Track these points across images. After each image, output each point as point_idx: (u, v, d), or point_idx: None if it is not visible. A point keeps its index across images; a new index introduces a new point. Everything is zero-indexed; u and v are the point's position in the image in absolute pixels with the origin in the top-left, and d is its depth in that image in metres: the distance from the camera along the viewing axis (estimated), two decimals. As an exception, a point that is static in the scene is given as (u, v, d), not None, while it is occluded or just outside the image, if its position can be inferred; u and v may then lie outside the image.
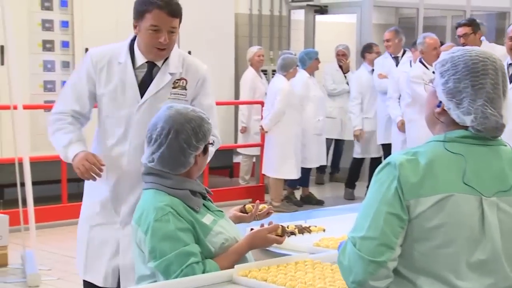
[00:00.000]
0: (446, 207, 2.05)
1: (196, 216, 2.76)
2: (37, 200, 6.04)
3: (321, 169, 9.75)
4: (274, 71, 9.49)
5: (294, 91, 8.28)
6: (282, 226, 2.96)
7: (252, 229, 2.99)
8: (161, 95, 3.27)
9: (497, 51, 6.24)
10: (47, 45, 8.28)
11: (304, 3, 10.95)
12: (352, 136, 9.16)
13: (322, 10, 10.90)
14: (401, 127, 7.65)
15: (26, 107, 6.18)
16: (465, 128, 2.13)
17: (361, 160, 9.02)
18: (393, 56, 8.60)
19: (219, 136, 3.33)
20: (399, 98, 7.87)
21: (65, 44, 8.39)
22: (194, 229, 2.73)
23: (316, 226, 3.44)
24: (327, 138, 9.16)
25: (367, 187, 8.51)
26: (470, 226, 2.06)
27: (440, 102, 2.16)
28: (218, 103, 9.46)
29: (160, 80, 3.28)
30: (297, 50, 10.06)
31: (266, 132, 8.33)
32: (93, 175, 3.13)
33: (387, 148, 8.33)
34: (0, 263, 5.91)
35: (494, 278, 2.08)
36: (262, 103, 8.75)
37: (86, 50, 6.86)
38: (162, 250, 2.66)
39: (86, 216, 3.41)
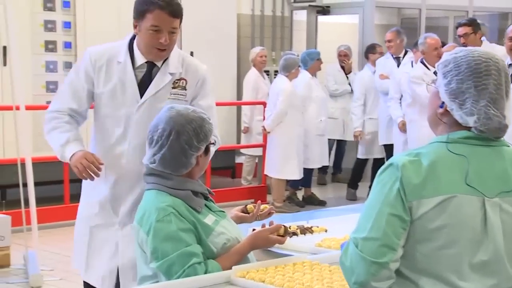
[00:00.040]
0: (449, 208, 2.05)
1: (198, 216, 2.76)
2: (39, 201, 6.04)
3: (323, 169, 9.75)
4: (276, 71, 9.49)
5: (296, 91, 8.28)
6: (284, 226, 2.96)
7: (254, 230, 2.99)
8: (161, 95, 3.25)
9: (498, 52, 6.22)
10: (50, 46, 8.29)
11: (306, 4, 10.95)
12: (354, 137, 9.17)
13: (324, 10, 10.90)
14: (402, 127, 7.65)
15: (28, 108, 6.18)
16: (468, 129, 2.13)
17: (365, 160, 9.01)
18: (394, 56, 8.60)
19: (219, 136, 3.32)
20: (400, 99, 7.87)
21: (67, 45, 8.39)
22: (196, 230, 2.73)
23: (318, 227, 3.43)
24: (329, 139, 9.16)
25: (369, 187, 8.55)
26: (473, 227, 2.06)
27: (443, 102, 2.16)
28: (220, 104, 9.52)
29: (160, 80, 3.26)
30: (299, 50, 10.06)
31: (268, 132, 8.33)
32: (91, 174, 3.09)
33: (389, 149, 8.32)
34: (2, 264, 5.92)
35: (496, 278, 2.08)
36: (264, 104, 8.75)
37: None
38: (164, 251, 2.66)
39: (85, 216, 3.39)
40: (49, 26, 8.27)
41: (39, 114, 7.97)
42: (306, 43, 11.06)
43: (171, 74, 3.28)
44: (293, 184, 8.70)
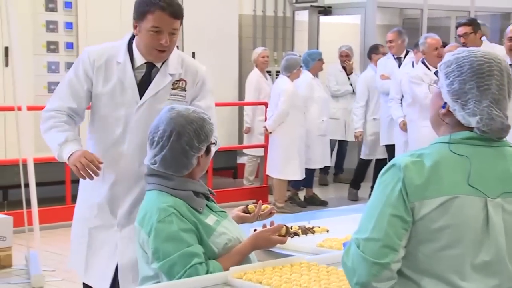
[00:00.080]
0: (451, 209, 2.05)
1: (199, 217, 2.76)
2: (41, 201, 6.05)
3: (324, 170, 9.75)
4: (278, 72, 9.49)
5: (298, 92, 8.28)
6: (285, 226, 2.96)
7: (255, 230, 2.99)
8: (161, 96, 3.24)
9: (498, 52, 6.19)
10: (51, 47, 8.30)
11: (308, 4, 10.95)
12: (354, 137, 9.17)
13: (326, 11, 10.90)
14: (404, 127, 7.63)
15: (30, 108, 6.18)
16: (470, 129, 2.13)
17: (368, 161, 8.99)
18: (396, 57, 8.59)
19: (218, 137, 3.30)
20: (401, 100, 7.86)
21: (69, 46, 8.40)
22: (197, 230, 2.73)
23: (319, 227, 3.43)
24: (330, 139, 9.16)
25: (371, 187, 8.51)
26: (475, 228, 2.06)
27: (445, 103, 2.16)
28: (222, 104, 9.53)
29: (160, 81, 3.25)
30: (301, 51, 10.06)
31: (270, 133, 8.33)
32: (90, 173, 3.05)
33: (390, 149, 8.32)
34: (4, 264, 5.92)
35: (498, 279, 2.08)
36: (266, 104, 8.75)
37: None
38: (166, 251, 2.66)
39: (83, 217, 3.37)
40: (51, 26, 8.28)
41: (41, 115, 7.97)
42: (308, 43, 11.06)
43: (170, 75, 3.27)
44: (294, 185, 8.69)
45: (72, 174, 5.94)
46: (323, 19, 11.06)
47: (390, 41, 8.60)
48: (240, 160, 9.94)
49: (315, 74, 8.73)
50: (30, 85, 7.78)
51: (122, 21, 8.33)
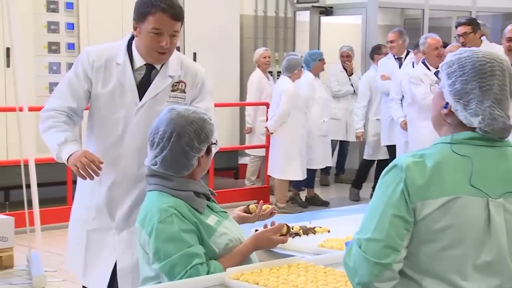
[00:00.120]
0: (453, 209, 2.04)
1: (200, 217, 2.76)
2: (43, 202, 6.06)
3: (325, 170, 9.74)
4: (279, 72, 9.50)
5: (299, 92, 8.28)
6: (286, 225, 2.95)
7: (256, 230, 2.99)
8: (160, 98, 3.22)
9: (497, 51, 6.18)
10: (53, 47, 8.30)
11: (309, 5, 10.95)
12: (356, 138, 9.16)
13: (327, 11, 10.90)
14: (405, 127, 7.62)
15: (31, 109, 6.18)
16: (472, 129, 2.13)
17: (371, 161, 8.97)
18: (396, 57, 8.58)
19: (218, 138, 3.28)
20: (401, 100, 7.85)
21: (70, 46, 8.41)
22: (198, 230, 2.73)
23: (320, 227, 3.43)
24: (332, 140, 9.15)
25: (373, 188, 8.49)
26: (477, 228, 2.06)
27: (447, 103, 2.16)
28: (223, 105, 9.52)
29: (159, 83, 3.23)
30: (302, 51, 10.07)
31: (271, 133, 8.33)
32: (91, 173, 3.00)
33: (391, 150, 8.31)
34: (6, 265, 5.92)
35: (500, 279, 2.08)
36: (267, 105, 8.75)
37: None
38: (167, 252, 2.65)
39: (81, 219, 3.34)
40: (52, 27, 8.29)
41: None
42: (309, 43, 11.07)
43: (170, 77, 3.25)
44: (296, 185, 8.69)
45: (74, 175, 5.93)
46: (324, 19, 11.06)
47: (391, 41, 8.59)
48: (242, 160, 9.94)
49: (316, 75, 8.73)
50: (31, 86, 7.78)
51: (123, 21, 8.33)
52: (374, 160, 8.96)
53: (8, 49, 7.62)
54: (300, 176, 8.31)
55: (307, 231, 3.35)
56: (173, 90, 3.25)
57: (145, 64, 3.23)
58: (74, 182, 7.22)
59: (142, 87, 3.22)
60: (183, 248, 2.65)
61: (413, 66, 7.70)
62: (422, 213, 2.05)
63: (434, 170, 2.06)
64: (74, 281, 5.56)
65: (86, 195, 3.32)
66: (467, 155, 2.09)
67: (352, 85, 9.88)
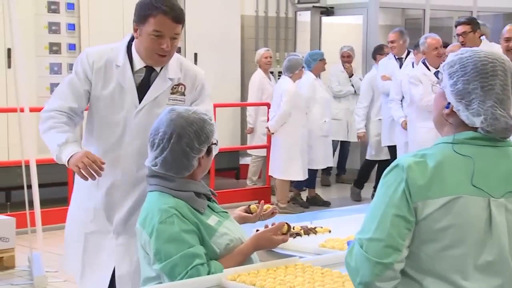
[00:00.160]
0: (454, 209, 2.04)
1: (200, 217, 2.76)
2: (44, 203, 6.05)
3: (327, 170, 9.74)
4: (280, 72, 9.50)
5: (300, 92, 8.28)
6: (287, 223, 2.94)
7: (257, 230, 2.98)
8: (160, 100, 3.19)
9: (496, 51, 6.15)
10: (54, 48, 8.31)
11: (310, 5, 10.95)
12: (357, 138, 9.16)
13: (328, 11, 10.90)
14: (406, 126, 7.62)
15: (32, 110, 6.18)
16: (474, 129, 2.13)
17: (374, 162, 8.93)
18: (397, 57, 8.57)
19: (218, 139, 3.26)
20: (401, 100, 7.84)
21: (71, 47, 8.42)
22: (198, 231, 2.72)
23: (321, 227, 3.43)
24: (332, 140, 9.14)
25: (374, 187, 8.47)
26: (478, 228, 2.06)
27: (449, 103, 2.16)
28: (224, 105, 9.51)
29: (159, 86, 3.21)
30: (303, 51, 10.06)
31: (272, 133, 8.33)
32: (93, 173, 2.97)
33: (392, 150, 8.30)
34: (7, 265, 5.93)
35: (501, 279, 2.07)
36: (268, 105, 8.75)
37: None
38: (167, 252, 2.65)
39: (78, 221, 3.31)
40: (53, 28, 8.30)
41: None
42: (310, 44, 11.07)
43: (170, 79, 3.22)
44: (297, 185, 8.69)
45: (75, 175, 5.93)
46: (325, 19, 11.06)
47: (392, 42, 8.58)
48: (243, 160, 9.94)
49: (317, 75, 8.73)
50: (32, 87, 7.78)
51: (124, 22, 8.34)
52: (377, 161, 8.95)
53: (9, 50, 7.62)
54: (301, 176, 8.31)
55: (308, 231, 3.35)
56: (172, 93, 3.23)
57: (145, 66, 3.21)
58: (75, 182, 7.26)
59: (142, 89, 3.20)
60: (184, 248, 2.65)
61: (413, 67, 7.69)
62: (423, 213, 2.05)
63: (436, 170, 2.06)
64: (75, 282, 5.57)
65: (84, 197, 3.29)
66: (468, 155, 2.09)
67: (352, 86, 9.88)
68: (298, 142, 8.22)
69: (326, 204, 8.67)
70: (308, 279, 2.59)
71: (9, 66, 7.70)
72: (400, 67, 8.32)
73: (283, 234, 2.91)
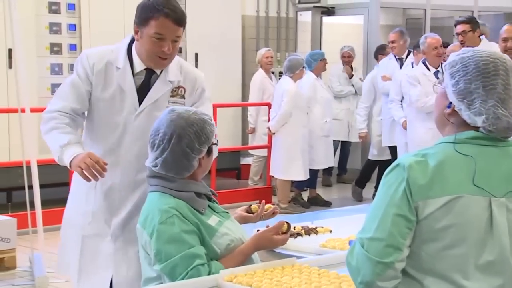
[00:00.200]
0: (455, 208, 2.05)
1: (201, 218, 2.76)
2: (45, 203, 6.05)
3: (328, 170, 9.74)
4: (281, 73, 9.50)
5: (301, 92, 8.28)
6: (287, 222, 2.94)
7: (258, 230, 2.98)
8: (159, 103, 3.17)
9: (496, 50, 6.14)
10: (55, 48, 8.31)
11: (311, 5, 10.95)
12: (359, 138, 9.15)
13: (329, 11, 10.90)
14: (406, 126, 7.62)
15: (33, 110, 6.18)
16: (475, 129, 2.13)
17: (376, 162, 8.92)
18: (397, 57, 8.56)
19: (218, 139, 3.24)
20: (401, 101, 7.83)
21: (72, 47, 8.42)
22: (199, 231, 2.72)
23: (322, 227, 3.43)
24: (333, 140, 9.14)
25: (375, 187, 8.46)
26: (479, 227, 2.06)
27: (450, 103, 2.16)
28: (225, 105, 9.50)
29: (159, 88, 3.18)
30: (304, 51, 10.07)
31: (273, 133, 8.33)
32: (96, 174, 2.94)
33: (393, 150, 8.30)
34: (8, 266, 5.93)
35: (502, 278, 2.08)
36: (269, 105, 8.75)
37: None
38: (168, 253, 2.65)
39: (76, 224, 3.27)
40: (54, 28, 8.30)
41: (42, 115, 7.96)
42: (310, 44, 11.07)
43: (170, 82, 3.21)
44: (298, 185, 8.69)
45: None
46: (326, 19, 11.06)
47: (392, 42, 8.58)
48: (244, 161, 9.94)
49: (318, 75, 8.73)
50: (33, 87, 7.79)
51: (125, 22, 8.35)
52: (379, 161, 8.93)
53: (10, 50, 7.62)
54: (302, 176, 8.31)
55: (309, 231, 3.34)
56: (172, 96, 3.21)
57: (145, 69, 3.19)
58: (76, 183, 7.25)
59: (142, 91, 3.18)
60: (184, 249, 2.65)
61: (412, 67, 7.68)
62: (424, 212, 2.05)
63: (437, 169, 2.06)
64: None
65: (82, 200, 3.26)
66: (470, 154, 2.09)
67: (353, 86, 9.88)
68: (299, 142, 8.23)
69: (327, 204, 8.67)
70: (305, 280, 2.58)
71: (10, 67, 7.70)
72: (401, 67, 8.31)
73: (283, 233, 2.90)
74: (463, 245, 2.05)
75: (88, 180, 2.97)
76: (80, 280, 3.27)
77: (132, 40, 3.21)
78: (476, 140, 2.12)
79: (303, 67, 8.28)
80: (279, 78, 9.04)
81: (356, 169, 9.71)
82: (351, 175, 9.92)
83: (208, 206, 2.83)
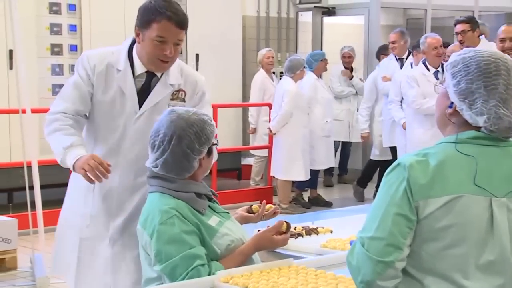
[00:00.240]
0: (455, 208, 2.05)
1: (201, 218, 2.76)
2: (46, 204, 6.05)
3: (329, 171, 9.74)
4: (281, 73, 9.50)
5: (302, 93, 8.28)
6: (286, 222, 2.93)
7: (259, 230, 2.98)
8: (160, 106, 3.14)
9: (494, 50, 6.11)
10: (55, 49, 8.32)
11: (312, 5, 10.95)
12: (360, 138, 9.14)
13: (330, 11, 10.90)
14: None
15: (34, 111, 6.19)
16: (477, 129, 2.13)
17: (378, 162, 8.91)
18: (398, 58, 8.56)
19: (218, 140, 3.23)
20: (401, 101, 7.83)
21: (73, 48, 8.42)
22: (199, 232, 2.72)
23: (323, 228, 3.43)
24: (334, 141, 9.13)
25: (376, 187, 8.47)
26: (479, 227, 2.06)
27: (452, 103, 2.16)
28: (226, 105, 9.51)
29: (160, 91, 3.17)
30: (305, 52, 10.07)
31: (274, 134, 8.33)
32: (99, 175, 2.92)
33: (393, 151, 8.29)
34: (9, 267, 5.93)
35: (502, 278, 2.07)
36: (270, 105, 8.75)
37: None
38: (168, 253, 2.65)
39: (74, 226, 3.25)
40: (55, 29, 8.30)
41: (45, 117, 7.97)
42: (311, 44, 11.07)
43: (171, 85, 3.19)
44: (299, 186, 8.69)
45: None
46: (326, 19, 11.05)
47: (393, 42, 8.57)
48: (245, 161, 9.94)
49: (319, 75, 8.73)
50: (34, 88, 7.79)
51: (126, 23, 8.35)
52: (381, 161, 8.92)
53: (11, 51, 7.63)
54: (303, 176, 8.31)
55: (309, 231, 3.34)
56: (172, 99, 3.19)
57: (145, 71, 3.17)
58: (77, 183, 7.25)
59: (142, 94, 3.16)
60: (184, 249, 2.65)
61: (412, 67, 7.67)
62: (424, 212, 2.05)
63: (438, 169, 2.06)
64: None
65: (80, 202, 3.24)
66: (471, 154, 2.09)
67: (353, 86, 9.88)
68: (300, 142, 8.22)
69: (328, 204, 8.67)
70: (302, 281, 2.58)
71: (11, 67, 7.71)
72: (401, 67, 8.31)
73: (283, 232, 2.89)
74: (464, 245, 2.05)
75: (91, 182, 2.96)
76: (77, 284, 3.24)
77: (133, 42, 3.19)
78: (478, 140, 2.12)
79: (304, 67, 8.27)
80: (280, 79, 9.04)
81: (357, 169, 9.70)
82: (352, 175, 9.92)
83: (209, 206, 2.83)
